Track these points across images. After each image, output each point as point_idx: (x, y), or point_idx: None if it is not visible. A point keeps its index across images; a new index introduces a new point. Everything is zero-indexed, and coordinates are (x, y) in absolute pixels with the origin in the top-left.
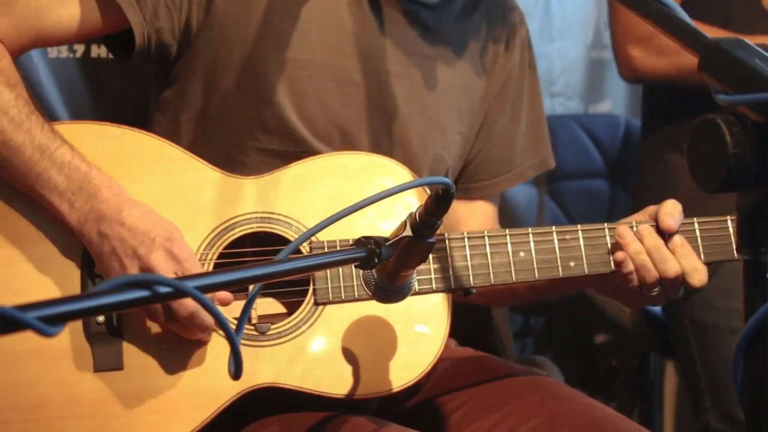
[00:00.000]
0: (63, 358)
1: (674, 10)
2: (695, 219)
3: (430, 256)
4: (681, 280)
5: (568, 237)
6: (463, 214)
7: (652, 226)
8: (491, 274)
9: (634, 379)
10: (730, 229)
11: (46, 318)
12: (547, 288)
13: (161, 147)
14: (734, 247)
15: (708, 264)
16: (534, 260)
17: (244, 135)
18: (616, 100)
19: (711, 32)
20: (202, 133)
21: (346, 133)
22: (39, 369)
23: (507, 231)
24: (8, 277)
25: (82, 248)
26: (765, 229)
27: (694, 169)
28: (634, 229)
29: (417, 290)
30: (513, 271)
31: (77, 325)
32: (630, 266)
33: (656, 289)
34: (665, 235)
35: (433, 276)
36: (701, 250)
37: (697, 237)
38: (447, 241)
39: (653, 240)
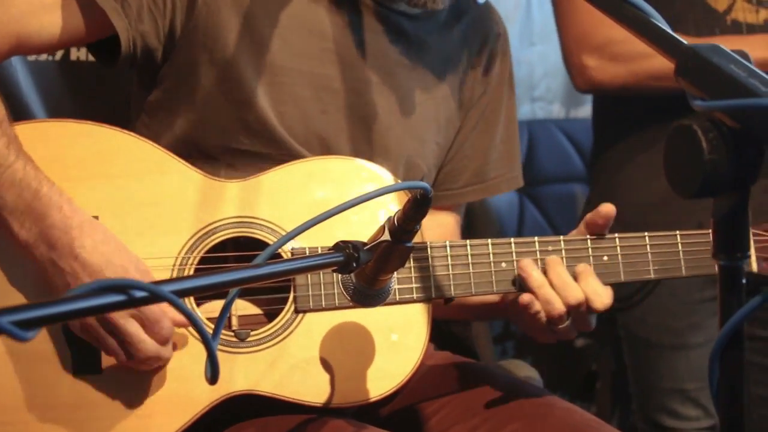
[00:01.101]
0: (41, 361)
1: (650, 15)
2: (678, 232)
3: (412, 265)
4: (585, 307)
5: (550, 248)
6: (423, 223)
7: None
8: (472, 284)
9: (614, 382)
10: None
11: (21, 322)
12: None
13: (142, 147)
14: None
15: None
16: (515, 271)
17: (229, 137)
18: None
19: None
20: (189, 134)
21: (324, 140)
22: (17, 372)
23: (489, 241)
24: None
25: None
26: (740, 234)
27: (670, 175)
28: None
29: (398, 299)
30: (494, 282)
31: (56, 328)
32: (536, 306)
33: (565, 322)
34: (568, 262)
35: (414, 285)
36: (683, 263)
37: (679, 251)
38: (429, 249)
39: (557, 267)
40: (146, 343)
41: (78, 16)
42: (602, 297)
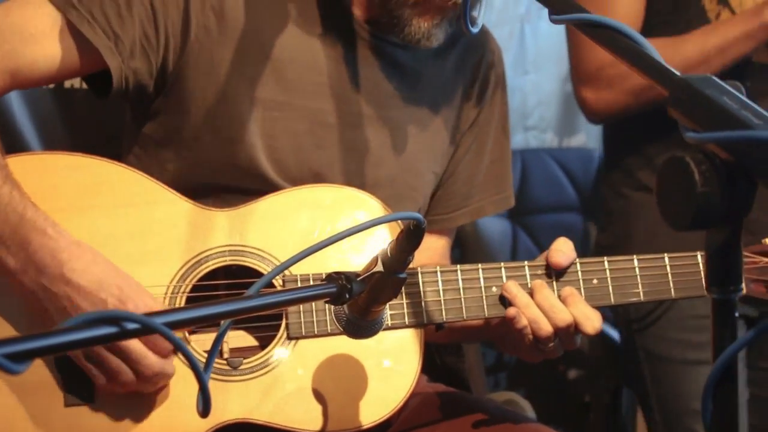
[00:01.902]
0: (34, 392)
1: (643, 47)
2: (666, 255)
3: (404, 290)
4: (573, 329)
5: (540, 272)
6: None
7: (546, 269)
8: (463, 309)
9: (607, 414)
10: (700, 265)
11: (12, 355)
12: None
13: (134, 178)
14: (703, 283)
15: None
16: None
17: (218, 173)
18: (590, 134)
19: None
20: (179, 169)
21: (318, 174)
22: (10, 404)
23: (479, 265)
24: None
25: None
26: (733, 267)
27: (663, 207)
28: (528, 272)
29: (390, 325)
30: (485, 306)
31: (48, 358)
32: (523, 321)
33: (553, 342)
34: (557, 286)
35: (405, 311)
36: (671, 285)
37: (667, 273)
38: (419, 275)
39: (543, 291)
40: (149, 358)
41: (72, 51)
42: (593, 321)
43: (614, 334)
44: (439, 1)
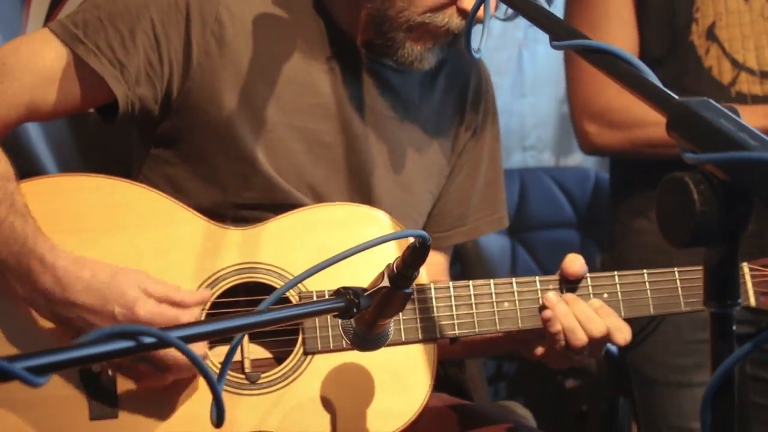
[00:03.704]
0: (59, 407)
1: (643, 72)
2: (676, 269)
3: (417, 306)
4: (606, 339)
5: (551, 287)
6: None
7: (556, 286)
8: (476, 323)
9: (603, 423)
10: None
11: (34, 368)
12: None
13: (152, 197)
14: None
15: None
16: (518, 310)
17: (230, 191)
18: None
19: None
20: (188, 187)
21: (317, 192)
22: (37, 418)
23: (491, 281)
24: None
25: None
26: (730, 282)
27: (663, 225)
28: (539, 287)
29: (404, 339)
30: (497, 321)
31: (73, 374)
32: (557, 325)
33: (584, 353)
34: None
35: (419, 325)
36: (681, 299)
37: (677, 287)
38: (432, 290)
39: (578, 303)
40: (174, 352)
41: (80, 85)
42: (623, 332)
43: (611, 346)
44: (432, 26)
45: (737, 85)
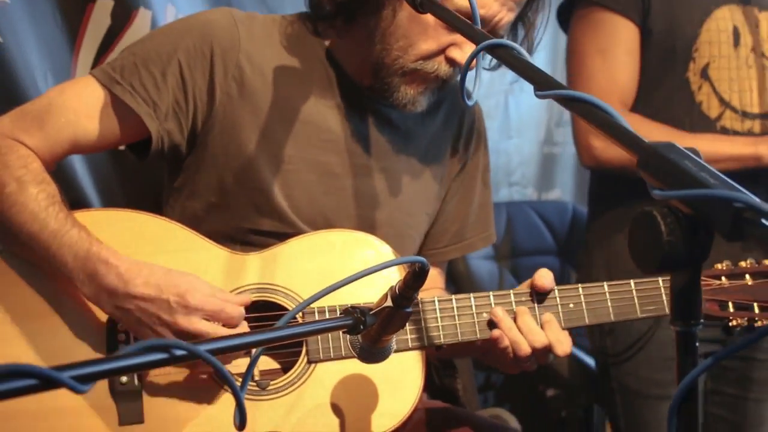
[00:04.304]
0: (89, 415)
1: (616, 118)
2: (632, 280)
3: None
4: (548, 349)
5: (523, 299)
6: None
7: (530, 296)
8: (459, 332)
9: (581, 427)
10: (662, 288)
11: (79, 377)
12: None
13: (174, 229)
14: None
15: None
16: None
17: (244, 220)
18: (565, 189)
19: (659, 129)
20: (208, 217)
21: (327, 218)
22: (70, 425)
23: (471, 295)
24: (41, 345)
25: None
26: (694, 304)
27: (634, 253)
28: (513, 299)
29: (396, 348)
30: (477, 330)
31: (102, 383)
32: (505, 341)
33: (530, 360)
34: (539, 311)
35: (409, 336)
36: (637, 307)
37: (633, 296)
38: (420, 304)
39: (524, 316)
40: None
41: (117, 122)
42: (563, 345)
43: (588, 360)
44: (423, 72)
45: (722, 120)
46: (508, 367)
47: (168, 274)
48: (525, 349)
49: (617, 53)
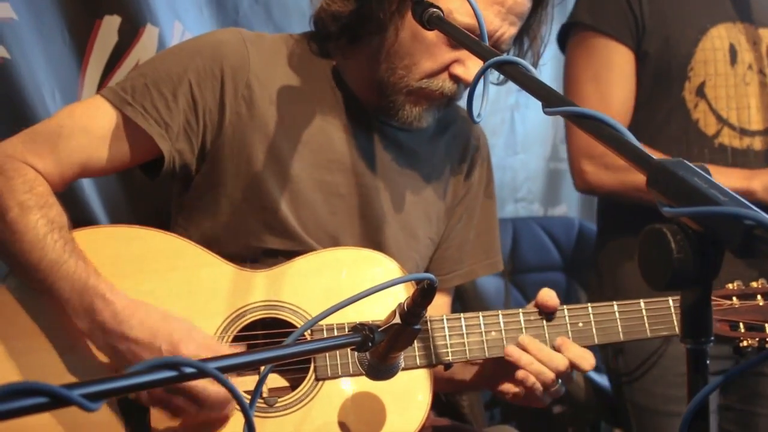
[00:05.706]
0: (98, 429)
1: (624, 135)
2: (641, 300)
3: None
4: (571, 370)
5: (532, 318)
6: None
7: (539, 315)
8: (467, 350)
9: None
10: (672, 308)
11: (89, 395)
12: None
13: (182, 246)
14: (674, 323)
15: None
16: (504, 339)
17: (252, 238)
18: (571, 205)
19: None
20: (217, 234)
21: (334, 237)
22: None
23: (480, 313)
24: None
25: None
26: (704, 321)
27: (644, 271)
28: (522, 318)
29: (404, 366)
30: (486, 348)
31: (112, 399)
32: (531, 379)
33: (557, 385)
34: (549, 336)
35: (417, 353)
36: (647, 327)
37: (643, 316)
38: (429, 323)
39: (536, 345)
40: (209, 389)
41: (129, 143)
42: (587, 359)
43: (595, 376)
44: (428, 90)
45: (720, 137)
46: (537, 401)
47: (164, 320)
48: (549, 375)
49: (611, 78)
